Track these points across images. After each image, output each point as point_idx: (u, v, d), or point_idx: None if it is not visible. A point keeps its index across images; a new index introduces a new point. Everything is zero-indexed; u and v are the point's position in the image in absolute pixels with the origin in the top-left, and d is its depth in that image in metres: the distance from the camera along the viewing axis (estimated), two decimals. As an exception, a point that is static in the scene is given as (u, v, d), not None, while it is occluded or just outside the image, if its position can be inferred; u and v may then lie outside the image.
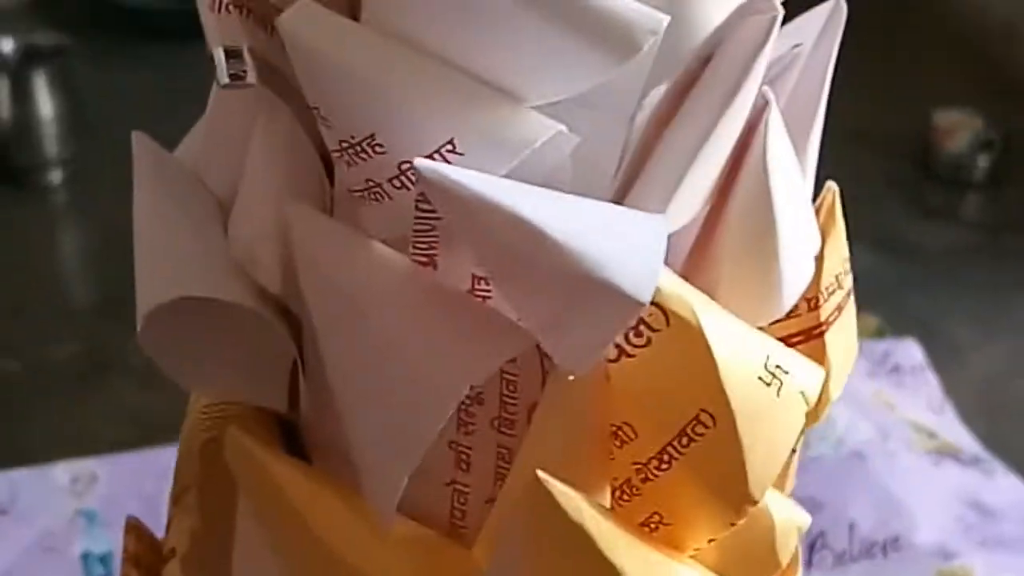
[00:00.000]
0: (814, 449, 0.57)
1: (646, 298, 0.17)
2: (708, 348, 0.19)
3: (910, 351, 0.66)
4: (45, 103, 0.90)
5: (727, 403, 0.19)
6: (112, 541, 0.53)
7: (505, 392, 0.21)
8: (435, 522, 0.22)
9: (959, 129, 0.89)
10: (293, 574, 0.22)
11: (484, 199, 0.17)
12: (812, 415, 0.23)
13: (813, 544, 0.52)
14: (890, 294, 0.74)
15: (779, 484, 0.24)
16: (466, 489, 0.22)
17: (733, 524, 0.20)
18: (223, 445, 0.22)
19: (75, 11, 1.04)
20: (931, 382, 0.64)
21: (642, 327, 0.19)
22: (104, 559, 0.52)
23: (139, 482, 0.55)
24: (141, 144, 0.23)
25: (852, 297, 0.24)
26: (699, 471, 0.20)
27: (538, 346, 0.20)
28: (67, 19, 1.01)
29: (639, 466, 0.20)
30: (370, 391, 0.20)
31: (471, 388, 0.20)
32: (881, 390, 0.63)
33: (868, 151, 0.92)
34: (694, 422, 0.19)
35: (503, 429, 0.21)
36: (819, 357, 0.23)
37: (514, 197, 0.17)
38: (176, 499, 0.24)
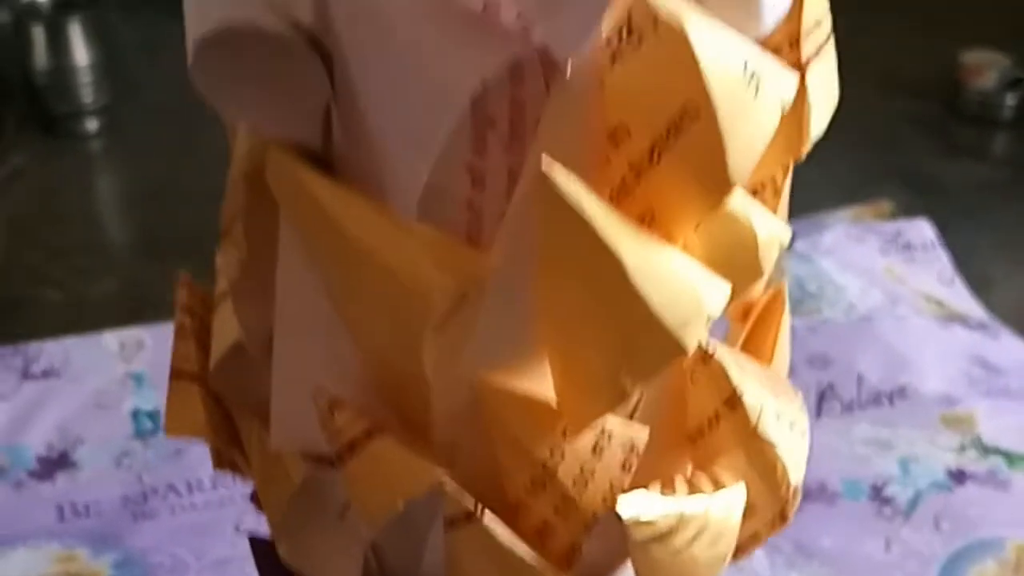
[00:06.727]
0: (825, 313, 0.60)
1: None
2: (691, 49, 0.22)
3: (922, 230, 0.68)
4: (80, 52, 0.92)
5: (709, 98, 0.22)
6: (159, 400, 0.56)
7: (514, 115, 0.23)
8: (454, 235, 0.24)
9: (987, 68, 0.90)
10: (329, 278, 0.24)
11: None
12: (797, 147, 0.26)
13: (823, 394, 0.55)
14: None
15: (772, 205, 0.26)
16: (480, 206, 0.24)
17: (714, 208, 0.23)
18: (264, 174, 0.25)
19: (107, -39, 1.06)
20: (942, 258, 0.66)
21: (633, 30, 0.22)
22: (152, 415, 0.55)
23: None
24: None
25: (832, 44, 0.26)
26: (686, 161, 0.22)
27: (543, 69, 0.22)
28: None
29: (632, 164, 0.23)
30: (394, 99, 0.22)
31: (485, 113, 0.23)
32: (892, 265, 0.65)
33: (897, 92, 0.94)
34: (681, 116, 0.22)
35: (513, 151, 0.24)
36: (800, 95, 0.25)
37: None
38: (223, 235, 0.27)
